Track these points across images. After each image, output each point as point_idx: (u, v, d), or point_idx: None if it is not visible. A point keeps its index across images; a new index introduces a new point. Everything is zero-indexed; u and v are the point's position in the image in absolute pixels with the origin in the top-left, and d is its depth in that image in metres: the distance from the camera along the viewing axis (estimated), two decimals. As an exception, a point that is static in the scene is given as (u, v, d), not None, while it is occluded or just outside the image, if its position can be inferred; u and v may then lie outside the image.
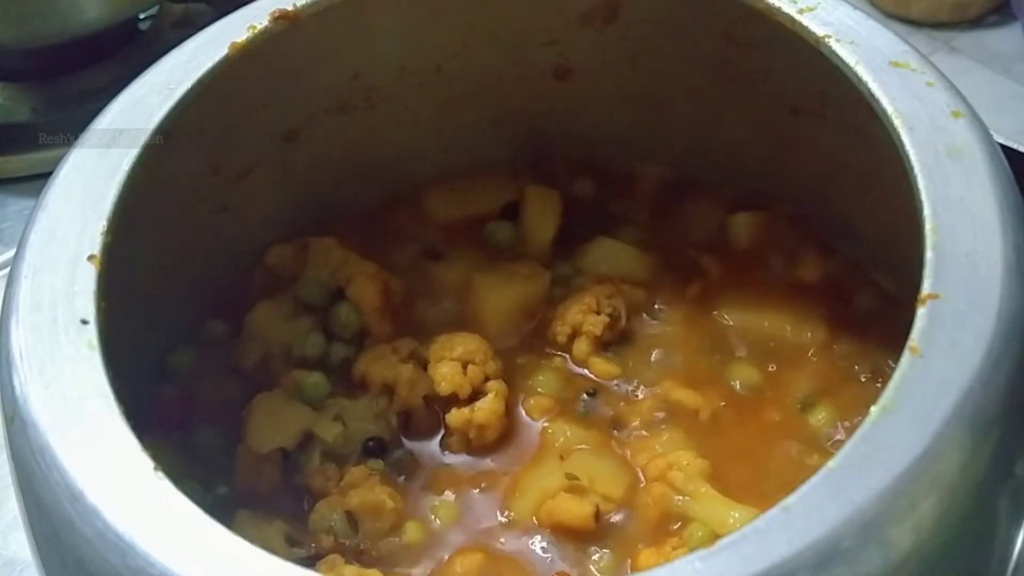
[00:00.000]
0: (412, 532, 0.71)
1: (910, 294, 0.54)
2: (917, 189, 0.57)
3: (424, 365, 0.77)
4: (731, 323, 0.79)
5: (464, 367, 0.76)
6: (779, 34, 0.68)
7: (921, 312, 0.53)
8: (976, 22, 1.25)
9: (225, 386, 0.77)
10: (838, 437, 0.72)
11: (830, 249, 0.80)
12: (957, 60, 1.21)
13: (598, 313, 0.78)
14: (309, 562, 0.68)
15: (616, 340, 0.79)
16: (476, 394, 0.75)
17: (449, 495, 0.73)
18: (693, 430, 0.74)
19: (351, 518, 0.71)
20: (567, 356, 0.79)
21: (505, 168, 0.87)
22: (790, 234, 0.81)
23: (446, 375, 0.75)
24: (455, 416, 0.75)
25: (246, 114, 0.75)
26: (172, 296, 0.74)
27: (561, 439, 0.75)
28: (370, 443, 0.74)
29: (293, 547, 0.69)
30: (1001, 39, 1.23)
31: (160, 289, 0.72)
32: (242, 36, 0.71)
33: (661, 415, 0.75)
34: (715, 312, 0.79)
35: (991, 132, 0.61)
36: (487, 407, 0.74)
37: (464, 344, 0.76)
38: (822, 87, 0.71)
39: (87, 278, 0.59)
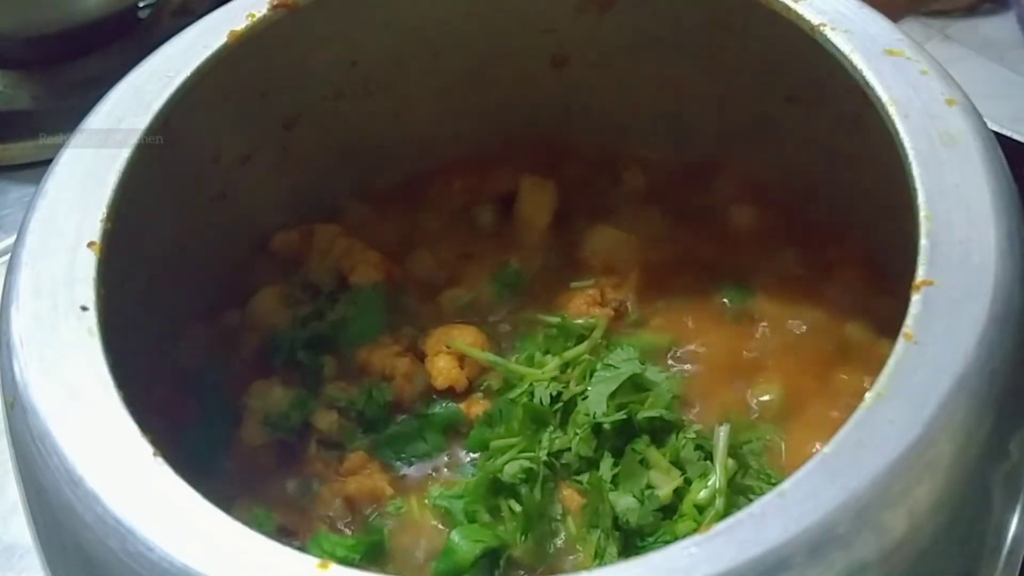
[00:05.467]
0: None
1: (904, 281, 0.54)
2: (911, 176, 0.58)
3: (422, 357, 0.77)
4: (730, 307, 0.79)
5: (460, 360, 0.76)
6: (774, 22, 0.69)
7: (915, 299, 0.53)
8: (970, 10, 1.25)
9: (223, 373, 0.77)
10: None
11: (824, 235, 0.80)
12: (951, 48, 1.21)
13: (603, 305, 0.78)
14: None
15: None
16: (473, 386, 0.75)
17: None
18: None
19: (349, 503, 0.71)
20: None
21: (502, 156, 0.87)
22: (785, 221, 0.81)
23: (442, 369, 0.75)
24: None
25: (245, 102, 0.75)
26: (172, 282, 0.74)
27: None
28: (367, 422, 0.74)
29: (285, 537, 0.68)
30: (995, 27, 1.23)
31: (160, 275, 0.72)
32: (241, 24, 0.71)
33: None
34: (714, 297, 0.79)
35: (985, 120, 0.62)
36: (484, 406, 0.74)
37: (461, 337, 0.76)
38: (817, 75, 0.71)
39: (87, 265, 0.59)
